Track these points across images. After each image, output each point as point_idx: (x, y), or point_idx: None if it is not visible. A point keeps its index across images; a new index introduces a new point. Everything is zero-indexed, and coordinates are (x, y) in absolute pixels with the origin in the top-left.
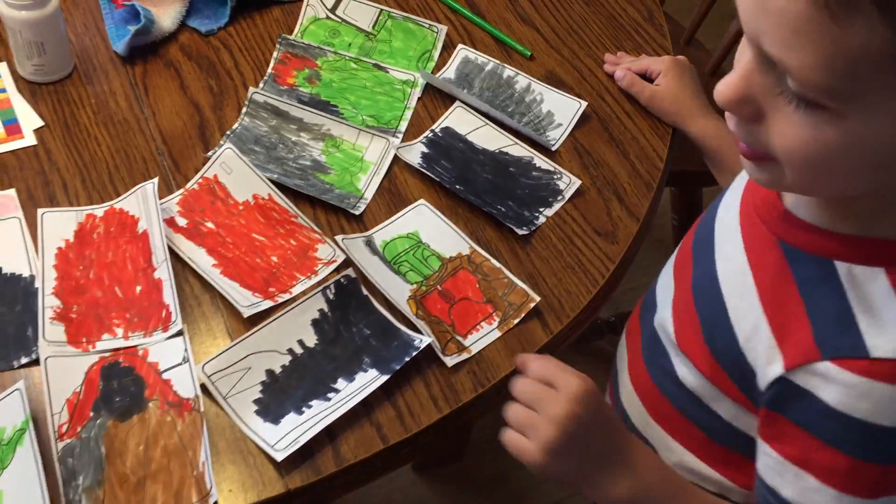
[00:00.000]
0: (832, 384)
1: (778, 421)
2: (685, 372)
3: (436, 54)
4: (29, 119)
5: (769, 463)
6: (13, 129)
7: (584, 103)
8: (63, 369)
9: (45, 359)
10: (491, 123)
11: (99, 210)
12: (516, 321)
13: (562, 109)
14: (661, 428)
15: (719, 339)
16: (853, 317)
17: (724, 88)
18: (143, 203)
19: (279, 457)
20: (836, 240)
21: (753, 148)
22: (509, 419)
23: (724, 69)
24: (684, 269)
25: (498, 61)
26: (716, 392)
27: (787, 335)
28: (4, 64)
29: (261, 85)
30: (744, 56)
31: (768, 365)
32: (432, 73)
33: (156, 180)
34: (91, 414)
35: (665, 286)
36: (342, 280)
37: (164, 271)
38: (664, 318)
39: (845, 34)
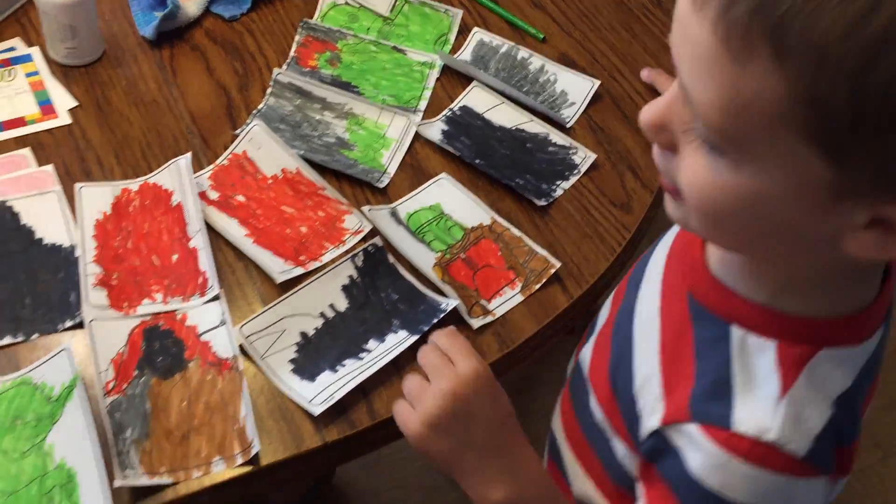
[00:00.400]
0: (695, 449)
1: (650, 471)
2: (593, 402)
3: (451, 37)
4: (63, 100)
5: None
6: (48, 109)
7: (597, 82)
8: (107, 331)
9: (90, 321)
10: (507, 102)
11: (134, 184)
12: (538, 286)
13: (575, 89)
14: (571, 452)
15: (620, 378)
16: (731, 386)
17: (646, 112)
18: (177, 177)
19: (316, 411)
20: (739, 304)
21: (667, 180)
22: (404, 387)
23: None
24: (618, 297)
25: (512, 43)
26: (611, 428)
27: (673, 390)
28: (37, 48)
29: (284, 67)
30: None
31: (650, 415)
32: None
33: (189, 155)
34: (135, 373)
35: (604, 310)
36: (370, 248)
37: (199, 240)
38: (590, 344)
39: (742, 76)
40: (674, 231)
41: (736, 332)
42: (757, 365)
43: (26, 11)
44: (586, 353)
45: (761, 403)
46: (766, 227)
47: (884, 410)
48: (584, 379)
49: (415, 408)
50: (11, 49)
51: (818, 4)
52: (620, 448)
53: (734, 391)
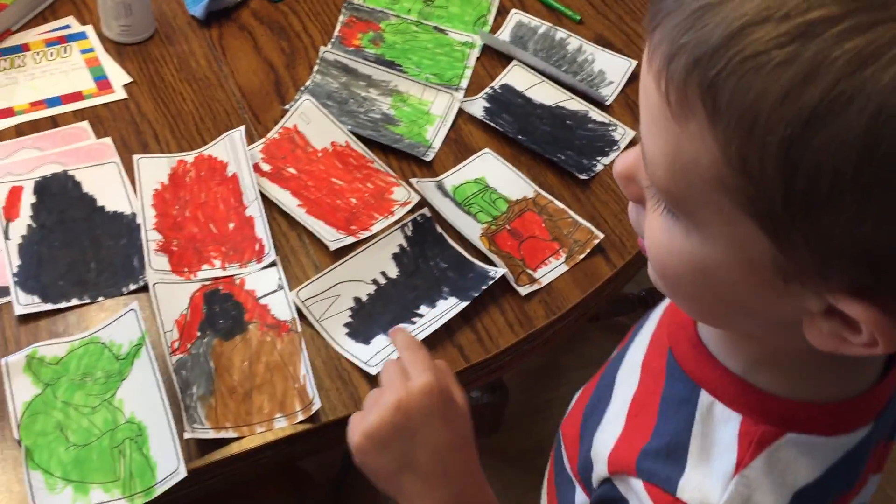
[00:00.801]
0: (638, 503)
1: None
2: (562, 448)
3: (490, 19)
4: (118, 75)
5: None
6: (104, 84)
7: (634, 62)
8: (169, 294)
9: (154, 284)
10: (547, 81)
11: (189, 156)
12: (581, 256)
13: (612, 68)
14: (546, 496)
15: (591, 421)
16: (686, 451)
17: (617, 163)
18: (231, 149)
19: (373, 371)
20: (713, 369)
21: (640, 237)
22: (366, 397)
23: None
24: (622, 345)
25: (550, 24)
26: (573, 476)
27: (626, 441)
28: (90, 26)
29: (328, 46)
30: None
31: (601, 462)
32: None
33: (242, 128)
34: (198, 334)
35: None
36: (418, 218)
37: (254, 209)
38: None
39: (682, 136)
40: None
41: (704, 398)
42: (718, 435)
43: None
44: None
45: (712, 476)
46: (721, 300)
47: None
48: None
49: (363, 417)
50: (66, 27)
51: (752, 66)
52: (580, 497)
53: (688, 457)
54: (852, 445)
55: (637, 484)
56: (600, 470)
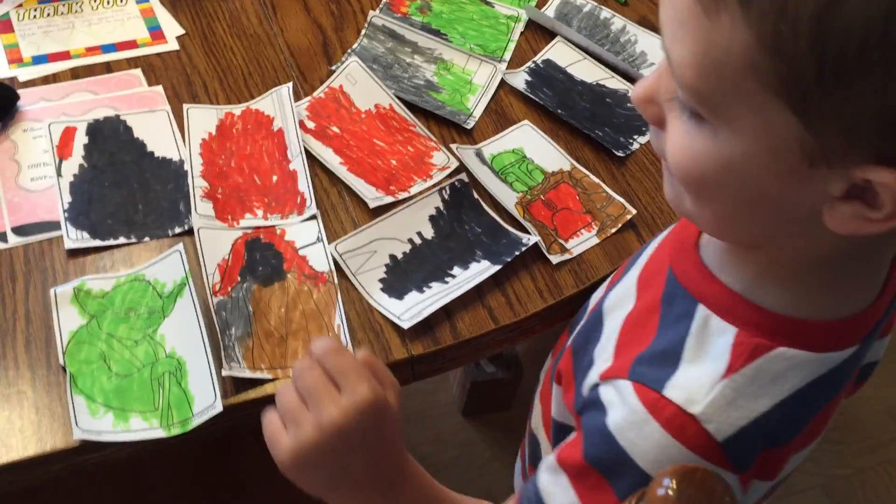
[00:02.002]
0: (621, 404)
1: (578, 425)
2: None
3: None
4: (171, 27)
5: (549, 457)
6: (157, 34)
7: None
8: (213, 239)
9: (199, 229)
10: (589, 58)
11: (237, 109)
12: (613, 230)
13: (655, 50)
14: (548, 442)
15: (588, 343)
16: (679, 359)
17: (637, 87)
18: (278, 104)
19: (405, 325)
20: (714, 286)
21: (661, 154)
22: (277, 401)
23: None
24: (614, 279)
25: (595, 3)
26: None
27: (624, 352)
28: None
29: (377, 11)
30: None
31: (596, 372)
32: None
33: (290, 84)
34: (238, 278)
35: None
36: (456, 183)
37: (298, 164)
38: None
39: (713, 30)
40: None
41: (701, 311)
42: (711, 345)
43: None
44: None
45: (700, 378)
46: (745, 198)
47: None
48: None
49: (288, 430)
50: None
51: None
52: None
53: (680, 363)
54: (838, 362)
55: (625, 385)
56: (592, 378)
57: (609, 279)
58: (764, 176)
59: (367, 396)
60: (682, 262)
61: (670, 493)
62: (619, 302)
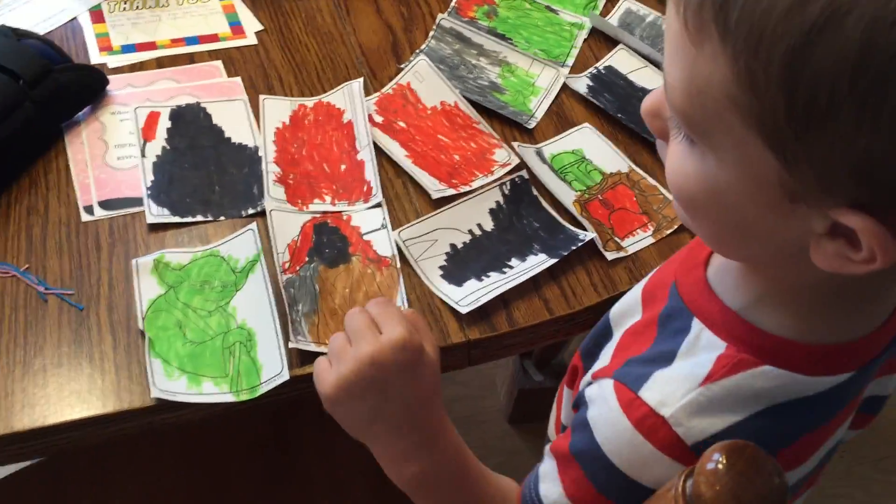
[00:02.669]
0: (601, 401)
1: (567, 431)
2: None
3: (601, 3)
4: (250, 23)
5: (548, 446)
6: (237, 29)
7: None
8: (283, 221)
9: (270, 211)
10: (651, 66)
11: (309, 102)
12: (669, 231)
13: None
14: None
15: (598, 350)
16: (664, 365)
17: (645, 99)
18: (349, 98)
19: (463, 310)
20: (710, 302)
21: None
22: (328, 345)
23: None
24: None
25: (658, 13)
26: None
27: (619, 355)
28: None
29: (445, 14)
30: None
31: (591, 372)
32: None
33: (361, 79)
34: (306, 259)
35: None
36: (517, 179)
37: (366, 154)
38: None
39: (698, 58)
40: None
41: (696, 325)
42: (698, 356)
43: None
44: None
45: (677, 383)
46: (733, 223)
47: None
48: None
49: (332, 366)
50: None
51: None
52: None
53: (662, 369)
54: (827, 387)
55: (607, 383)
56: (586, 378)
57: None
58: (748, 205)
59: (402, 334)
60: (686, 276)
61: (720, 466)
62: (625, 312)
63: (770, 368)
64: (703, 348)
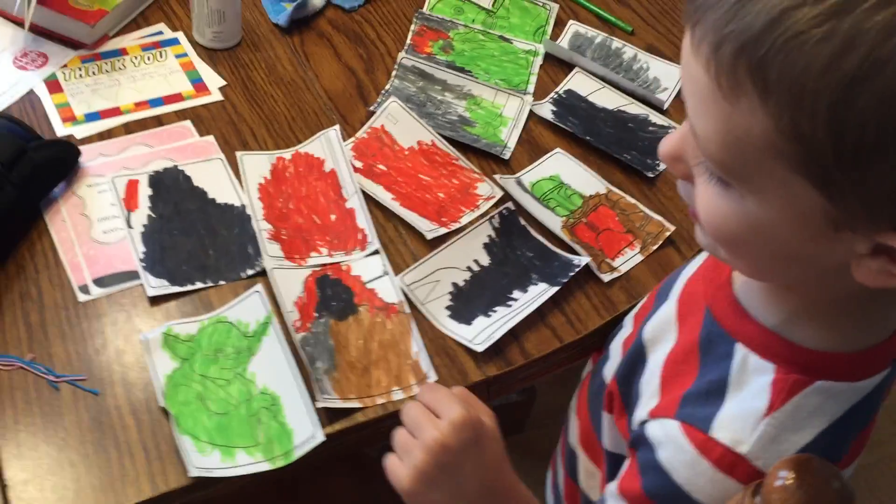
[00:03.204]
0: (671, 443)
1: (632, 456)
2: (604, 403)
3: (549, 29)
4: (212, 78)
5: (612, 486)
6: (200, 86)
7: None
8: (286, 278)
9: (271, 269)
10: (608, 86)
11: (287, 154)
12: (655, 247)
13: (666, 76)
14: (598, 471)
15: (633, 375)
16: (723, 397)
17: (663, 144)
18: (328, 146)
19: (479, 349)
20: (750, 326)
21: (691, 208)
22: (393, 442)
23: None
24: (641, 316)
25: (606, 34)
26: (618, 431)
27: (669, 390)
28: (181, 33)
29: (403, 53)
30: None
31: (643, 408)
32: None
33: (337, 127)
34: (315, 314)
35: (627, 325)
36: (504, 212)
37: (355, 202)
38: (611, 366)
39: (733, 112)
40: (704, 254)
41: (740, 351)
42: (751, 383)
43: (168, 0)
44: (606, 363)
45: (744, 418)
46: (776, 254)
47: None
48: (600, 382)
49: (402, 461)
50: (159, 33)
51: (796, 45)
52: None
53: (724, 401)
54: (871, 388)
55: (672, 425)
56: (641, 415)
57: (639, 307)
58: (791, 238)
59: (461, 413)
60: (718, 301)
61: (789, 482)
62: (659, 336)
63: (822, 383)
64: (752, 373)
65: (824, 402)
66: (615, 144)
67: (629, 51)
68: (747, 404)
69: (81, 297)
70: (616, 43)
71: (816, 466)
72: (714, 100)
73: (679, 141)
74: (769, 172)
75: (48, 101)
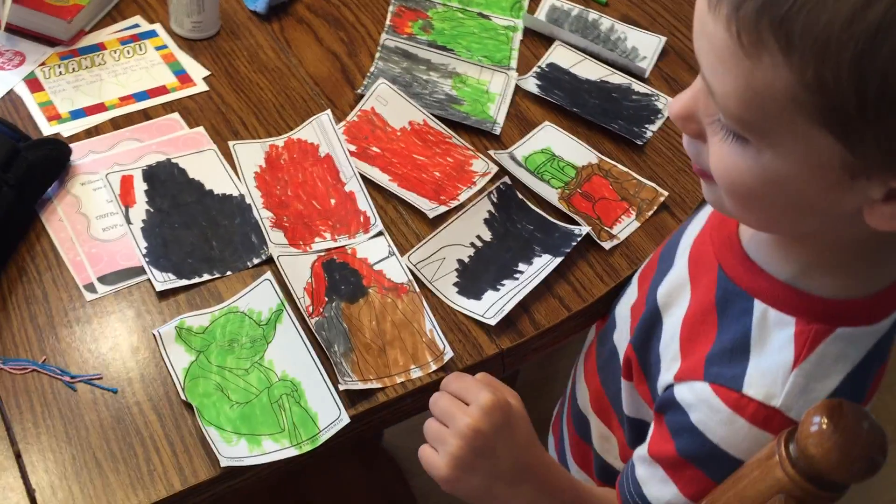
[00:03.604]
0: (703, 405)
1: (660, 419)
2: (618, 367)
3: (525, 3)
4: (195, 69)
5: (641, 450)
6: (184, 78)
7: (663, 38)
8: (293, 264)
9: (278, 257)
10: (589, 58)
11: (279, 141)
12: (650, 213)
13: (644, 45)
14: (613, 436)
15: (651, 340)
16: (748, 354)
17: (674, 104)
18: (320, 131)
19: (492, 322)
20: (765, 281)
21: (699, 166)
22: (425, 433)
23: None
24: (647, 278)
25: (581, 6)
26: (635, 391)
27: (691, 351)
28: (158, 25)
29: (385, 34)
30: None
31: (667, 371)
32: (522, 21)
33: (328, 111)
34: (326, 299)
35: (632, 288)
36: (501, 186)
37: (354, 185)
38: (622, 323)
39: (755, 69)
40: (705, 212)
41: (758, 307)
42: (774, 337)
43: None
44: (614, 330)
45: (772, 372)
46: (791, 206)
47: None
48: (611, 348)
49: (438, 451)
50: (136, 26)
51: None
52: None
53: (749, 358)
54: (886, 330)
55: (703, 387)
56: (666, 379)
57: (642, 268)
58: (807, 188)
59: (490, 398)
60: (729, 258)
61: (824, 427)
62: (673, 299)
63: (842, 330)
64: (773, 327)
65: (846, 348)
66: (601, 115)
67: (606, 22)
68: (774, 359)
69: (88, 296)
70: (593, 14)
71: (847, 409)
72: (734, 58)
73: (691, 100)
74: (789, 126)
75: (30, 101)
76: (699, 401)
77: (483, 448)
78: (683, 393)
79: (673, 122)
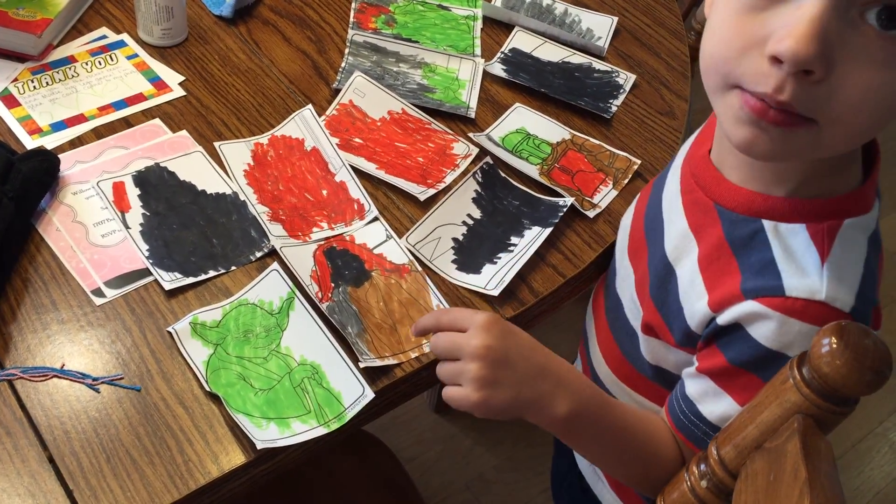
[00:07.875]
0: (757, 320)
1: (712, 352)
2: (632, 319)
3: None
4: (170, 75)
5: (689, 370)
6: (160, 84)
7: (615, 18)
8: (295, 254)
9: (281, 248)
10: (549, 41)
11: (263, 139)
12: (626, 181)
13: (598, 25)
14: (626, 386)
15: (668, 292)
16: (776, 265)
17: (799, 44)
18: (304, 125)
19: (495, 293)
20: (765, 201)
21: (798, 113)
22: (440, 376)
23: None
24: (639, 254)
25: None
26: (651, 333)
27: (718, 286)
28: (125, 35)
29: (352, 30)
30: (798, 10)
31: (696, 302)
32: (481, 10)
33: (310, 106)
34: (332, 284)
35: (624, 272)
36: (484, 166)
37: (344, 174)
38: (629, 302)
39: None
40: (670, 176)
41: (768, 225)
42: (794, 244)
43: (103, 3)
44: (632, 307)
45: (808, 273)
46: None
47: None
48: (629, 332)
49: (463, 386)
50: (103, 37)
51: None
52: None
53: (780, 268)
54: (876, 216)
55: (749, 304)
56: (698, 311)
57: (626, 249)
58: None
59: (483, 316)
60: (721, 192)
61: (835, 346)
62: (682, 251)
63: (849, 221)
64: (790, 237)
65: (857, 236)
66: (567, 93)
67: (560, 6)
68: (802, 262)
69: (98, 301)
70: (546, 0)
71: (853, 329)
72: None
73: (822, 33)
74: None
75: (8, 117)
76: (749, 317)
77: (498, 359)
78: (730, 317)
79: (797, 67)
